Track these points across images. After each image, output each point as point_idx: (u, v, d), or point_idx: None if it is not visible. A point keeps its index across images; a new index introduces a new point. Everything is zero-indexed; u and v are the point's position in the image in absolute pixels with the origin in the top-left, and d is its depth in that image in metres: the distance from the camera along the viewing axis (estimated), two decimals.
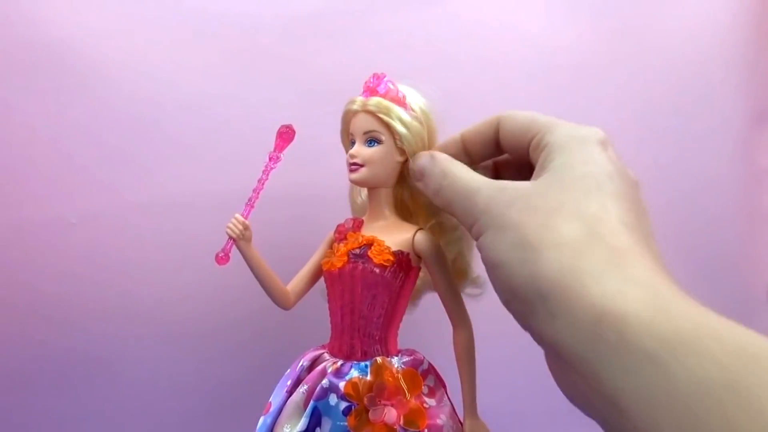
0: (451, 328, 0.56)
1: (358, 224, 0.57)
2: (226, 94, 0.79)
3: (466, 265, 0.59)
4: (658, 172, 0.90)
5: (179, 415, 0.81)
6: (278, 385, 0.57)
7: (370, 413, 0.51)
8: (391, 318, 0.56)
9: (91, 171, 0.77)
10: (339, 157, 0.59)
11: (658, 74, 0.88)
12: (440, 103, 0.58)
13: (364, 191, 0.60)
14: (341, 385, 0.52)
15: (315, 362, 0.57)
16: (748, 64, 0.91)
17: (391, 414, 0.51)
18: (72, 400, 0.79)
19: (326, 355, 0.56)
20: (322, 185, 0.73)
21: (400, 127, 0.55)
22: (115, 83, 0.77)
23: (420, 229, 0.56)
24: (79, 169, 0.77)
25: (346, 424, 0.51)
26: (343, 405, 0.52)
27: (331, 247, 0.59)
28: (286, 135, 0.57)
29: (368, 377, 0.53)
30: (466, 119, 0.85)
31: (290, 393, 0.55)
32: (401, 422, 0.51)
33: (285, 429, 0.53)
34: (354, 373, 0.53)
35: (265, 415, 0.55)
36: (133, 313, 0.79)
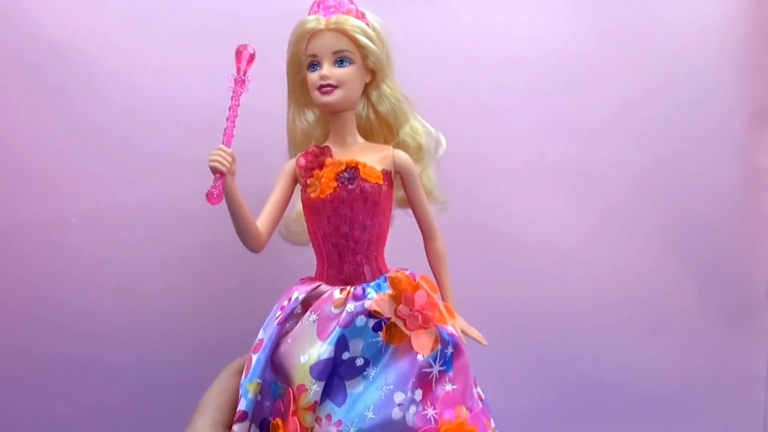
0: None
1: (327, 151, 0.57)
2: (227, 93, 0.78)
3: (430, 183, 0.62)
4: (658, 172, 0.90)
5: (179, 416, 0.81)
6: (266, 321, 0.56)
7: (407, 322, 0.52)
8: (384, 235, 0.58)
9: (91, 171, 0.77)
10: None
11: (659, 74, 0.88)
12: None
13: (308, 117, 0.60)
14: (366, 304, 0.53)
15: (312, 293, 0.56)
16: (748, 63, 0.91)
17: (428, 317, 0.53)
18: (71, 400, 0.79)
19: (324, 286, 0.56)
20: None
21: (371, 46, 0.55)
22: (115, 83, 0.76)
23: (392, 147, 0.58)
24: (79, 169, 0.77)
25: (379, 339, 0.52)
26: (372, 322, 0.52)
27: (294, 179, 0.58)
28: (243, 54, 0.53)
29: (388, 292, 0.54)
30: (466, 119, 0.85)
31: (282, 325, 0.54)
32: (434, 322, 0.53)
33: (301, 359, 0.52)
34: (372, 293, 0.54)
35: (256, 352, 0.54)
36: (133, 312, 0.79)
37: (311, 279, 0.58)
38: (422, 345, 0.52)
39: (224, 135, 0.53)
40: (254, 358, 0.54)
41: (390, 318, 0.53)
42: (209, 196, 0.50)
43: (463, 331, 0.58)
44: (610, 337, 0.90)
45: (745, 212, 0.94)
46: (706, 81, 0.90)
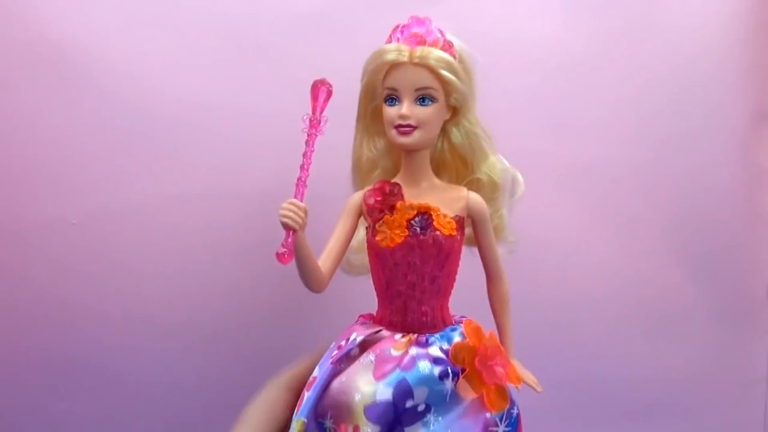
0: None
1: (398, 191, 0.53)
2: (228, 94, 0.79)
3: (502, 224, 0.60)
4: (657, 171, 0.90)
5: (180, 416, 0.81)
6: (322, 361, 0.54)
7: (484, 375, 0.50)
8: (452, 284, 0.56)
9: (91, 171, 0.77)
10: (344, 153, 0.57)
11: (659, 74, 0.88)
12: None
13: (377, 144, 0.56)
14: (431, 351, 0.51)
15: (373, 336, 0.53)
16: (749, 63, 0.91)
17: (502, 374, 0.51)
18: (71, 400, 0.79)
19: (385, 331, 0.54)
20: (325, 182, 0.73)
21: (457, 83, 0.51)
22: (115, 83, 0.76)
23: (467, 189, 0.55)
24: (79, 169, 0.77)
25: (445, 387, 0.50)
26: (438, 369, 0.50)
27: (359, 215, 0.55)
28: (322, 91, 0.47)
29: (465, 340, 0.52)
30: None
31: (336, 365, 0.52)
32: (507, 379, 0.52)
33: (356, 397, 0.49)
34: (436, 343, 0.52)
35: (309, 390, 0.52)
36: (133, 313, 0.79)
37: (372, 318, 0.57)
38: (494, 402, 0.50)
39: (297, 186, 0.47)
40: (305, 395, 0.52)
41: (464, 368, 0.51)
42: (280, 257, 0.45)
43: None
44: (610, 337, 0.90)
45: (745, 212, 0.94)
46: (706, 81, 0.90)
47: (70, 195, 0.77)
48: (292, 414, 0.51)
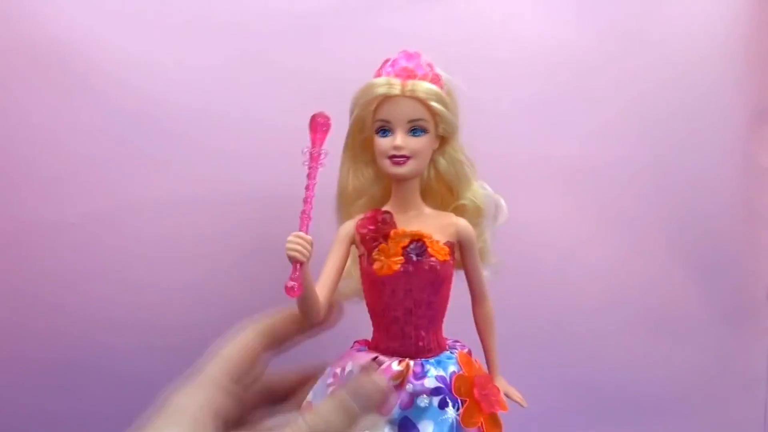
0: None
1: (390, 219, 0.54)
2: (228, 94, 0.79)
3: (486, 247, 0.61)
4: (657, 171, 0.90)
5: None
6: (317, 385, 0.54)
7: (483, 405, 0.52)
8: (445, 308, 0.57)
9: (91, 171, 0.77)
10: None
11: (658, 73, 0.88)
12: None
13: (365, 173, 0.57)
14: (427, 383, 0.52)
15: (369, 364, 0.54)
16: (748, 63, 0.91)
17: (495, 401, 0.53)
18: (71, 401, 0.79)
19: (381, 357, 0.54)
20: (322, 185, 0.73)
21: (446, 114, 0.52)
22: (115, 83, 0.76)
23: (454, 215, 0.57)
24: (79, 169, 0.77)
25: (449, 416, 0.51)
26: (437, 400, 0.51)
27: (351, 243, 0.55)
28: (321, 125, 0.48)
29: (462, 372, 0.53)
30: (465, 120, 0.85)
31: None
32: (499, 407, 0.54)
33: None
34: (432, 370, 0.53)
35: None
36: (133, 313, 0.79)
37: (368, 343, 0.57)
38: (490, 430, 0.53)
39: (301, 218, 0.47)
40: None
41: (463, 399, 0.52)
42: (289, 290, 0.45)
43: (506, 394, 0.58)
44: (610, 337, 0.90)
45: (745, 212, 0.94)
46: (706, 81, 0.90)
47: (70, 195, 0.77)
48: (263, 360, 0.47)
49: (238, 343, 0.45)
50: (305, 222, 0.47)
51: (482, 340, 0.59)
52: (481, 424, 0.52)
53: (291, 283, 0.45)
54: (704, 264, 0.92)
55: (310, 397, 0.53)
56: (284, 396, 0.45)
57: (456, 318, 0.58)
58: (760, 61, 0.91)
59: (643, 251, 0.90)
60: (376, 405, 0.35)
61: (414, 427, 0.50)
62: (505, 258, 0.85)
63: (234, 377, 0.42)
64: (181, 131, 0.78)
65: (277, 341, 0.48)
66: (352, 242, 0.56)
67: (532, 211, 0.87)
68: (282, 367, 0.49)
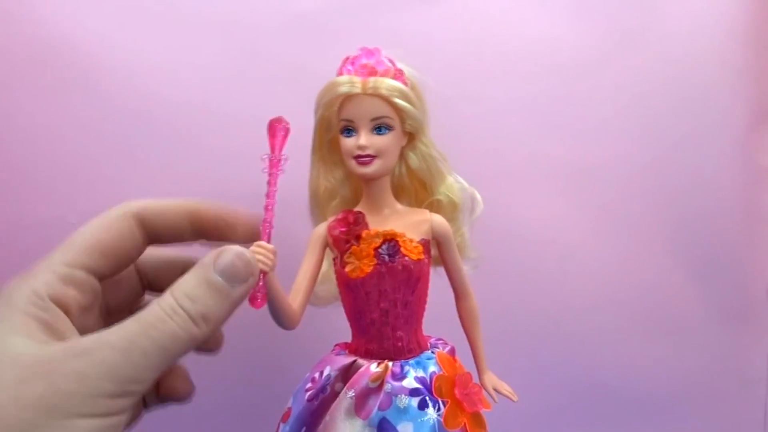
0: None
1: (362, 219, 0.53)
2: (228, 94, 0.79)
3: (464, 242, 0.60)
4: (657, 171, 0.90)
5: (180, 416, 0.81)
6: (297, 390, 0.54)
7: (466, 405, 0.51)
8: (423, 307, 0.56)
9: (91, 171, 0.77)
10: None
11: (658, 73, 0.88)
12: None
13: (335, 175, 0.56)
14: (405, 383, 0.51)
15: (348, 369, 0.54)
16: (748, 63, 0.91)
17: (477, 400, 0.53)
18: None
19: (360, 360, 0.54)
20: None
21: (411, 109, 0.51)
22: (115, 82, 0.76)
23: (429, 212, 0.56)
24: (79, 169, 0.77)
25: (430, 417, 0.50)
26: (416, 401, 0.51)
27: (325, 247, 0.55)
28: (280, 130, 0.46)
29: (442, 372, 0.53)
30: (465, 119, 0.85)
31: (312, 401, 0.52)
32: (482, 405, 0.53)
33: None
34: (411, 371, 0.52)
35: (284, 423, 0.53)
36: None
37: (347, 346, 0.57)
38: (473, 430, 0.52)
39: (263, 227, 0.44)
40: (281, 428, 0.53)
41: (444, 399, 0.51)
42: (253, 301, 0.43)
43: (495, 389, 0.58)
44: (610, 337, 0.90)
45: (745, 212, 0.94)
46: (706, 81, 0.90)
47: (70, 195, 0.77)
48: (137, 239, 0.43)
49: (91, 227, 0.41)
50: (267, 231, 0.44)
51: (468, 336, 0.59)
52: (464, 424, 0.51)
53: (255, 294, 0.43)
54: (704, 263, 0.92)
55: (290, 402, 0.54)
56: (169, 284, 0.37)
57: (440, 315, 0.58)
58: (759, 61, 0.91)
59: (643, 250, 0.90)
60: (243, 280, 0.33)
61: (393, 428, 0.49)
62: (504, 257, 0.86)
63: (78, 263, 0.38)
64: (183, 131, 0.78)
65: (153, 225, 0.43)
66: (326, 245, 0.55)
67: (532, 210, 0.87)
68: (155, 251, 0.45)
